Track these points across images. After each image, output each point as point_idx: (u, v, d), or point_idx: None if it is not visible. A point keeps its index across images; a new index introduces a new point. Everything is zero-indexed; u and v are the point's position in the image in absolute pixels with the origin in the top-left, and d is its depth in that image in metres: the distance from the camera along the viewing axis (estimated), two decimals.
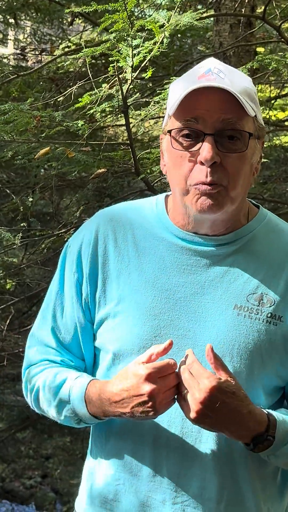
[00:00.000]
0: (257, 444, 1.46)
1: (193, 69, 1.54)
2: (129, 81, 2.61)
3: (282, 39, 3.46)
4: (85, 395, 1.55)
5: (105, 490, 1.60)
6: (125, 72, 2.60)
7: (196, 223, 1.53)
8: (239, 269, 1.53)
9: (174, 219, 1.58)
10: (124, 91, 2.65)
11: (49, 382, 1.61)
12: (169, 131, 1.50)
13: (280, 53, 3.41)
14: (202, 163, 1.45)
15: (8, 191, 4.20)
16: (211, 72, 1.47)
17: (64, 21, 5.07)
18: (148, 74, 2.58)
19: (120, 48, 2.56)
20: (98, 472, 1.63)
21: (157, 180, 3.23)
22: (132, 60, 2.52)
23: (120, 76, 2.62)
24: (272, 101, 4.63)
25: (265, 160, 3.24)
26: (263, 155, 1.60)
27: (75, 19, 4.65)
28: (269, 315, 1.51)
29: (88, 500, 1.66)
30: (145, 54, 2.53)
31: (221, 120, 1.45)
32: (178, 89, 1.48)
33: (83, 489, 1.69)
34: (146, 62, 2.58)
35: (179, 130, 1.48)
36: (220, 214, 1.50)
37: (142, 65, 2.60)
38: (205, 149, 1.44)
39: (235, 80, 1.47)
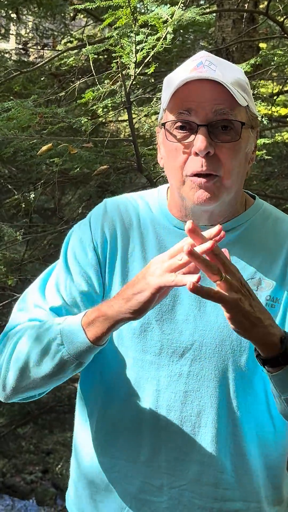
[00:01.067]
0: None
1: (185, 62, 1.56)
2: (132, 77, 2.60)
3: (285, 35, 3.45)
4: (82, 321, 1.46)
5: (97, 480, 1.59)
6: (128, 68, 2.59)
7: (194, 215, 1.55)
8: (237, 256, 1.54)
9: (171, 210, 1.60)
10: (127, 87, 2.64)
11: (36, 327, 1.52)
12: (163, 124, 1.52)
13: (283, 49, 3.39)
14: (196, 154, 1.47)
15: (10, 186, 4.19)
16: (203, 64, 1.49)
17: (66, 16, 5.05)
18: (151, 69, 2.57)
19: (123, 44, 2.55)
20: (88, 460, 1.62)
21: (159, 176, 3.22)
22: (135, 56, 2.50)
23: (123, 72, 2.61)
24: (275, 97, 4.61)
25: (267, 156, 3.23)
26: (258, 145, 1.59)
27: (77, 14, 4.63)
28: (267, 297, 1.53)
29: (75, 492, 1.65)
30: (148, 50, 2.52)
31: (213, 111, 1.46)
32: (171, 83, 1.50)
33: (71, 480, 1.68)
34: (149, 58, 2.57)
35: (173, 122, 1.50)
36: (217, 205, 1.51)
37: (146, 60, 2.59)
38: (199, 140, 1.46)
39: (226, 71, 1.49)
